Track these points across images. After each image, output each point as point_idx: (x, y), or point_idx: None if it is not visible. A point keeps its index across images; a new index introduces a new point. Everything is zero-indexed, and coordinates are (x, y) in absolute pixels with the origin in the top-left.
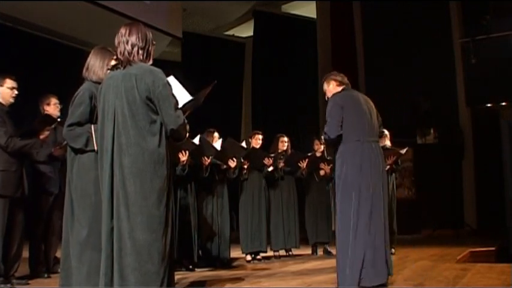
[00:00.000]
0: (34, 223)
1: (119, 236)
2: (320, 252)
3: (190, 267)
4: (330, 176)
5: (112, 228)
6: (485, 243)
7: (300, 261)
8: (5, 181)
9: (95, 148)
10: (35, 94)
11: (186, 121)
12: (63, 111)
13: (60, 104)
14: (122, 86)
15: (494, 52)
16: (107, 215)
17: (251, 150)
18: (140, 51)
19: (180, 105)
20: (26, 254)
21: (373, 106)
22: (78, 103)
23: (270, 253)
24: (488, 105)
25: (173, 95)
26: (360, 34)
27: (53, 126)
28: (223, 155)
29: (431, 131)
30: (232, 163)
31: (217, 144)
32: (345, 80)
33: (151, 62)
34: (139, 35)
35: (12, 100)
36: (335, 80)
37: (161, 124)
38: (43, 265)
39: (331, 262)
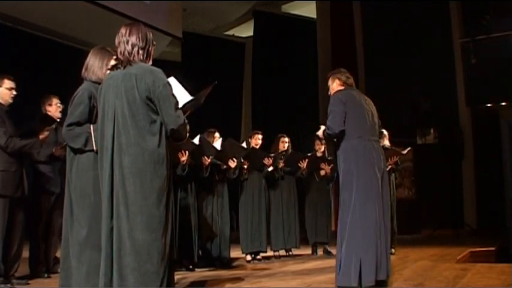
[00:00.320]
0: (34, 223)
1: (118, 236)
2: (320, 252)
3: (190, 267)
4: (331, 176)
5: (112, 228)
6: (485, 243)
7: (300, 261)
8: (5, 181)
9: (94, 148)
10: (35, 94)
11: (186, 121)
12: (64, 112)
13: (61, 104)
14: (122, 86)
15: (494, 52)
16: (107, 215)
17: (251, 150)
18: (140, 51)
19: (180, 106)
20: (26, 254)
21: (374, 107)
22: (77, 103)
23: (270, 253)
24: (488, 105)
25: (173, 95)
26: (360, 34)
27: (53, 126)
28: (223, 155)
29: (431, 131)
30: (233, 163)
31: (218, 144)
32: (350, 81)
33: (151, 62)
34: (140, 35)
35: (11, 100)
36: (339, 79)
37: (161, 124)
38: (43, 265)
39: (331, 262)
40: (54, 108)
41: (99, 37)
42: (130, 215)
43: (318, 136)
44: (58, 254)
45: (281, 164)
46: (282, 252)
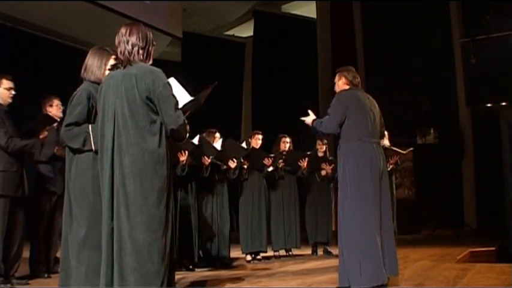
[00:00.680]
0: (35, 223)
1: (118, 236)
2: (320, 252)
3: (190, 267)
4: (332, 176)
5: (112, 229)
6: (485, 243)
7: (300, 261)
8: (5, 181)
9: (93, 148)
10: (35, 94)
11: (186, 121)
12: (65, 112)
13: (62, 105)
14: (122, 86)
15: (494, 52)
16: (107, 215)
17: (251, 151)
18: (140, 51)
19: (180, 106)
20: (26, 254)
21: (378, 108)
22: (76, 103)
23: (270, 253)
24: (488, 105)
25: (173, 95)
26: (360, 34)
27: (54, 126)
28: (223, 155)
29: (431, 131)
30: (232, 163)
31: (218, 144)
32: (356, 80)
33: (151, 62)
34: (140, 35)
35: (10, 100)
36: (345, 78)
37: (161, 124)
38: (43, 265)
39: (331, 262)
40: (55, 109)
41: (99, 37)
42: (130, 215)
43: (319, 136)
44: (59, 254)
45: (281, 164)
46: (282, 252)
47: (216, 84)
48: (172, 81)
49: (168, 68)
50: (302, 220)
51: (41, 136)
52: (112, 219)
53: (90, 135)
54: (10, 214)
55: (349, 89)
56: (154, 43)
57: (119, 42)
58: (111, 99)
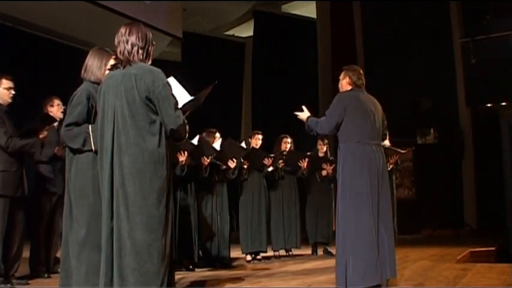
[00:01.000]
0: (35, 223)
1: (118, 236)
2: (320, 252)
3: (190, 267)
4: (332, 176)
5: (112, 229)
6: (485, 243)
7: (300, 261)
8: (5, 181)
9: (93, 148)
10: (35, 94)
11: (185, 121)
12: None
13: (63, 105)
14: (122, 86)
15: (494, 52)
16: (107, 215)
17: (251, 151)
18: (140, 51)
19: (180, 106)
20: (26, 254)
21: (380, 109)
22: (75, 103)
23: (270, 253)
24: (488, 105)
25: (173, 95)
26: (360, 34)
27: (55, 126)
28: (222, 155)
29: (431, 131)
30: (232, 163)
31: (217, 144)
32: (360, 81)
33: (150, 61)
34: (139, 35)
35: (10, 100)
36: (350, 78)
37: (161, 124)
38: (43, 265)
39: (332, 262)
40: (55, 109)
41: (99, 37)
42: (130, 215)
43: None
44: (59, 254)
45: (281, 164)
46: (282, 252)
47: (216, 83)
48: (171, 80)
49: (168, 68)
50: (302, 220)
51: (41, 136)
52: (112, 219)
53: (90, 135)
54: (10, 214)
55: (350, 89)
56: (154, 43)
57: (119, 42)
58: (111, 99)
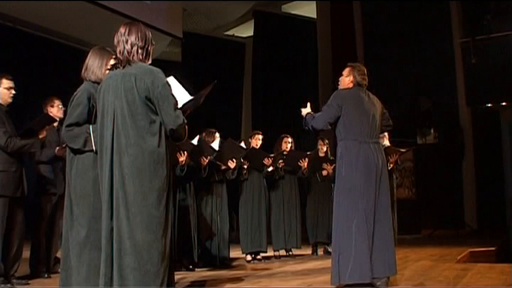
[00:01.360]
0: (36, 223)
1: (118, 236)
2: (320, 252)
3: (190, 267)
4: (333, 175)
5: (112, 229)
6: (485, 243)
7: (300, 261)
8: (4, 181)
9: (93, 148)
10: (35, 94)
11: (185, 121)
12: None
13: (63, 105)
14: (121, 86)
15: (494, 52)
16: (107, 215)
17: (251, 151)
18: (140, 51)
19: (179, 105)
20: (26, 254)
21: (380, 108)
22: (76, 104)
23: (270, 253)
24: (488, 105)
25: (173, 95)
26: (360, 34)
27: (55, 125)
28: (222, 156)
29: (431, 131)
30: (232, 164)
31: (216, 143)
32: (363, 82)
33: (150, 61)
34: (139, 35)
35: (10, 100)
36: (354, 77)
37: (161, 124)
38: (43, 265)
39: None
40: (56, 110)
41: (99, 37)
42: (130, 216)
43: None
44: (59, 254)
45: (281, 164)
46: (282, 252)
47: (216, 83)
48: (171, 80)
49: (168, 68)
50: (302, 220)
51: (41, 136)
52: (111, 219)
53: (91, 135)
54: (10, 214)
55: (351, 87)
56: (154, 42)
57: (118, 42)
58: (111, 99)
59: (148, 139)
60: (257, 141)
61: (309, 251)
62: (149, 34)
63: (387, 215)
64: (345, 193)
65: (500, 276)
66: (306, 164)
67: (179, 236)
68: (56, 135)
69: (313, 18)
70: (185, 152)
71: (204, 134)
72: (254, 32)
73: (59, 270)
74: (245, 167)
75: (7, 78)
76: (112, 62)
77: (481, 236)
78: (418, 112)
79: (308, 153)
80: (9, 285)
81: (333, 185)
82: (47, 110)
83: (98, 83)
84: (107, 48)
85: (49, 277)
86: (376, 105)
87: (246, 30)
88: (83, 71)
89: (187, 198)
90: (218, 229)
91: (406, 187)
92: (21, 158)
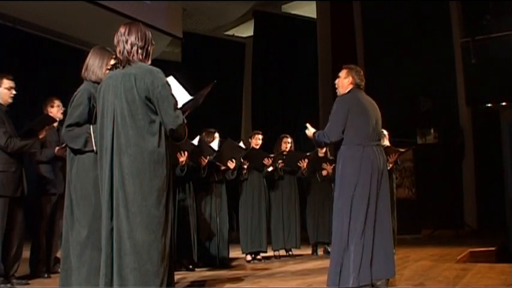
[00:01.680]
0: (36, 223)
1: (118, 236)
2: (320, 252)
3: (190, 267)
4: (332, 176)
5: (112, 229)
6: (485, 243)
7: (300, 261)
8: (4, 181)
9: (94, 148)
10: (35, 94)
11: (185, 121)
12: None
13: (63, 106)
14: (121, 86)
15: (494, 52)
16: (107, 216)
17: (250, 151)
18: (139, 51)
19: (179, 105)
20: (26, 254)
21: (378, 110)
22: (76, 104)
23: (270, 253)
24: (488, 105)
25: (172, 95)
26: (360, 34)
27: (55, 125)
28: (221, 156)
29: (431, 131)
30: (232, 164)
31: (215, 143)
32: (362, 83)
33: (150, 61)
34: (139, 34)
35: (10, 100)
36: (353, 78)
37: (160, 124)
38: (43, 265)
39: None
40: (56, 110)
41: (99, 37)
42: (130, 216)
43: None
44: (59, 254)
45: (281, 164)
46: (282, 252)
47: (215, 83)
48: (171, 80)
49: (168, 68)
50: (302, 220)
51: (41, 136)
52: (111, 219)
53: (91, 135)
54: (9, 214)
55: (350, 91)
56: (154, 42)
57: (118, 42)
58: (110, 99)
59: (148, 139)
60: (257, 141)
61: (308, 251)
62: (149, 34)
63: (387, 217)
64: (346, 196)
65: (500, 276)
66: (305, 164)
67: (179, 236)
68: (56, 136)
69: (313, 18)
70: (185, 152)
71: (203, 134)
72: (254, 32)
73: (59, 270)
74: (245, 167)
75: (8, 78)
76: (112, 62)
77: (481, 236)
78: (418, 112)
79: (308, 153)
80: (9, 285)
81: (333, 185)
82: (47, 111)
83: (98, 83)
84: (107, 48)
85: (49, 277)
86: (376, 108)
87: (246, 30)
88: (83, 71)
89: (187, 199)
90: (218, 229)
91: (406, 187)
92: (21, 158)
